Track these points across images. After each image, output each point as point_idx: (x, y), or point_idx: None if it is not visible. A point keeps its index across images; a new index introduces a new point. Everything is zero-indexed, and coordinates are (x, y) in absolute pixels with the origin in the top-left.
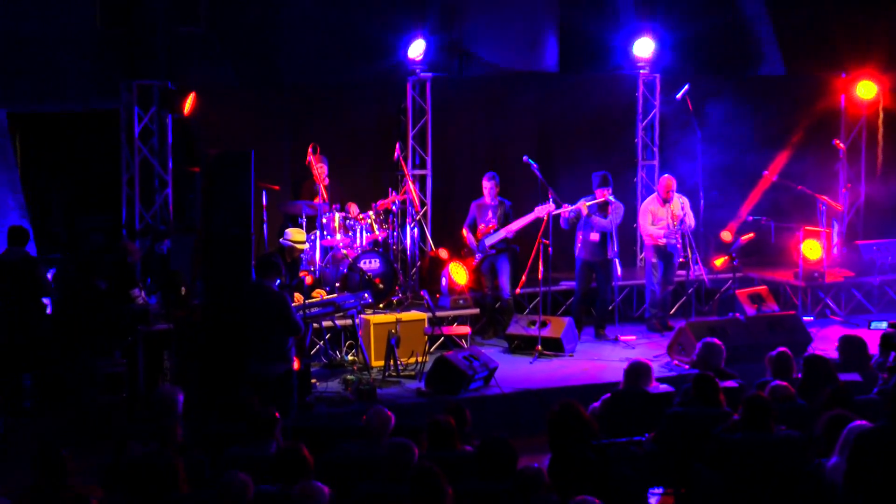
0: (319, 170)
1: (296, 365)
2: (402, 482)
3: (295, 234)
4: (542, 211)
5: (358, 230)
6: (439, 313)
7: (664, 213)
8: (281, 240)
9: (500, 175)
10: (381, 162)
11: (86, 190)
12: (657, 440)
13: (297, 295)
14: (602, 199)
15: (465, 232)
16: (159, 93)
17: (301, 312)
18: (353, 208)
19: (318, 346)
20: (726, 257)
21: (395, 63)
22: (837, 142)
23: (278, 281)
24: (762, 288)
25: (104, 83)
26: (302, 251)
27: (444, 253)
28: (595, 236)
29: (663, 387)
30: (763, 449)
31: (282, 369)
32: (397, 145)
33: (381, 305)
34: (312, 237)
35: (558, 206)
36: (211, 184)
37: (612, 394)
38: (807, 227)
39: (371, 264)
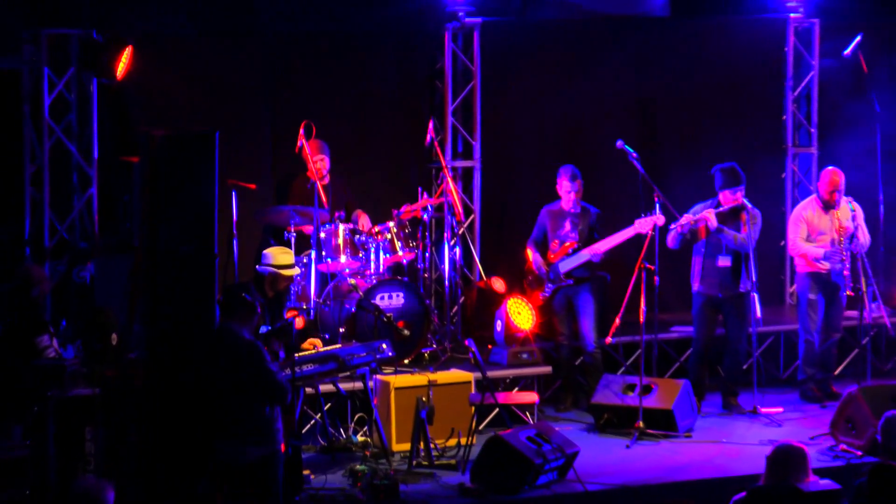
0: (317, 162)
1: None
2: None
3: (278, 256)
4: (645, 224)
5: (372, 250)
6: (492, 373)
7: (826, 225)
8: (258, 266)
9: (583, 169)
10: (405, 149)
11: None
12: None
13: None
14: (733, 205)
15: (530, 252)
16: (80, 46)
17: (286, 371)
18: (365, 218)
19: (313, 421)
20: None
21: (426, 3)
22: None
23: (253, 324)
24: None
25: None
26: (290, 280)
27: (499, 283)
28: (724, 261)
29: (824, 482)
30: None
31: (259, 454)
32: (430, 124)
33: (406, 361)
34: (305, 260)
35: (669, 217)
36: (156, 180)
37: (749, 492)
38: None
39: (392, 300)
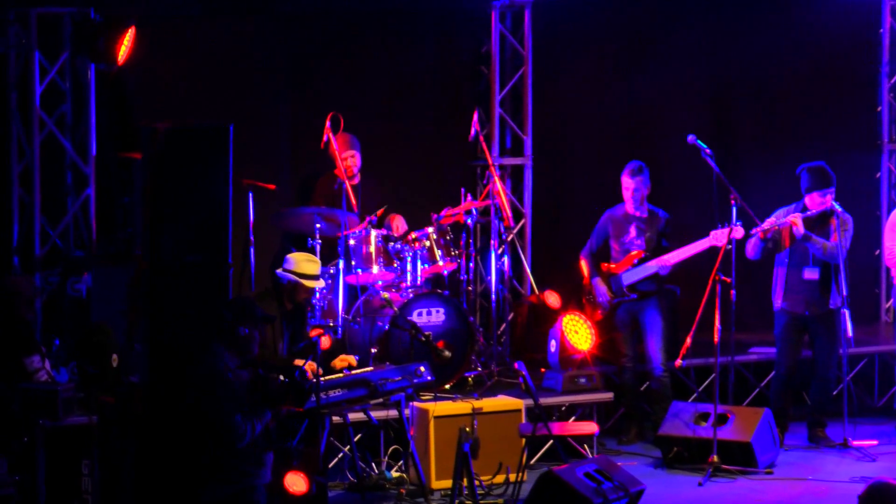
0: (346, 159)
1: (300, 484)
2: None
3: (303, 264)
4: (722, 236)
5: (408, 259)
6: (544, 400)
7: None
8: (278, 270)
9: (648, 167)
10: (446, 145)
11: None
12: None
13: (308, 364)
14: (821, 210)
15: (584, 264)
16: (74, 28)
17: (307, 398)
18: (401, 222)
19: (340, 455)
20: None
21: None
22: None
23: (246, 355)
24: None
25: None
26: (310, 292)
27: (553, 298)
28: (811, 273)
29: None
30: None
31: (225, 493)
32: (475, 116)
33: (447, 386)
34: (332, 271)
35: (747, 224)
36: (161, 180)
37: None
38: None
39: (431, 317)
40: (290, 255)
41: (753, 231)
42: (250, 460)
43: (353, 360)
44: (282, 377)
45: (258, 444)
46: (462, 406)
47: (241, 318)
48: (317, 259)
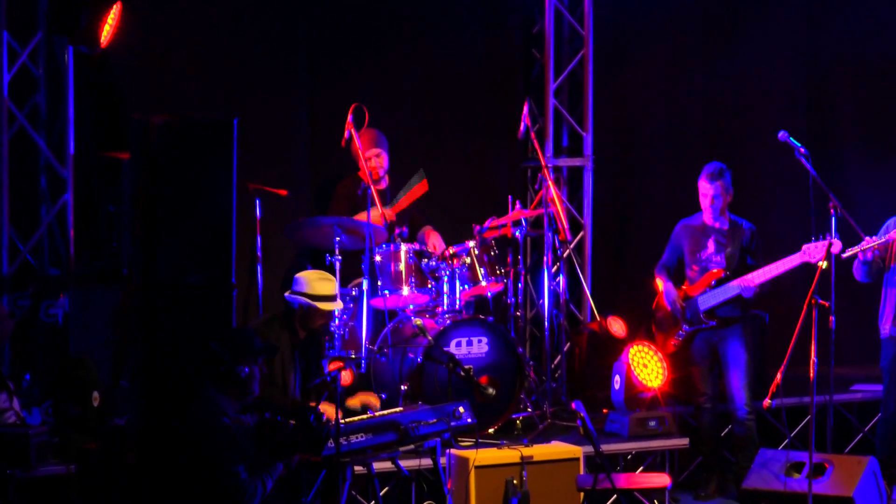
0: (371, 159)
1: None
2: None
3: (315, 283)
4: (816, 251)
5: (446, 279)
6: (607, 447)
7: None
8: (287, 293)
9: (732, 170)
10: (490, 143)
11: None
12: None
13: (324, 407)
14: None
15: (660, 282)
16: (50, 5)
17: (324, 445)
18: (436, 237)
19: None
20: None
21: None
22: None
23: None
24: None
25: None
26: (328, 317)
27: (617, 325)
28: None
29: None
30: None
31: None
32: (525, 109)
33: (491, 430)
34: (354, 292)
35: (849, 237)
36: (153, 185)
37: None
38: None
39: (472, 347)
40: (299, 275)
41: (859, 249)
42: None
43: (376, 399)
44: (293, 421)
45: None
46: (509, 454)
47: (239, 357)
48: (333, 277)
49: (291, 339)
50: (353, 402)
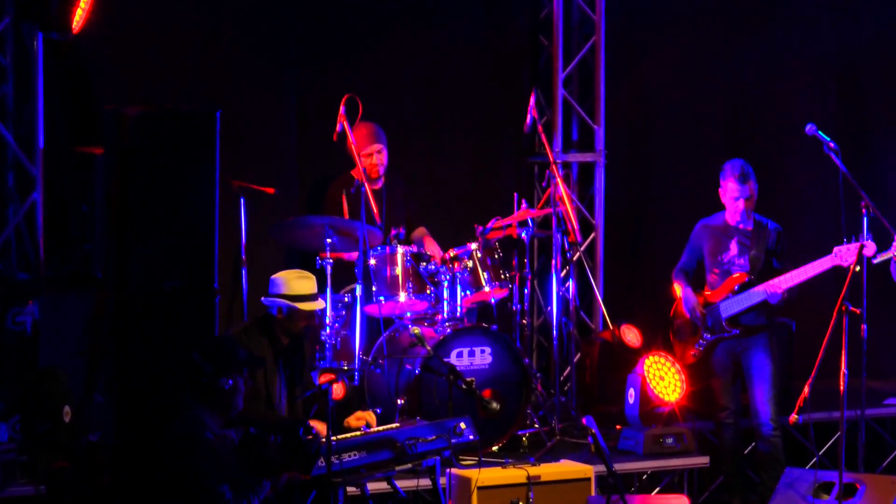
0: (369, 155)
1: None
2: None
3: (293, 282)
4: (847, 254)
5: (446, 284)
6: (621, 465)
7: None
8: (265, 297)
9: (756, 167)
10: (494, 136)
11: None
12: None
13: (315, 424)
14: None
15: (678, 287)
16: None
17: (314, 463)
18: (432, 244)
19: None
20: None
21: None
22: None
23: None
24: None
25: None
26: (310, 318)
27: (631, 334)
28: None
29: None
30: None
31: None
32: (532, 99)
33: (495, 448)
34: (347, 298)
35: (883, 238)
36: (129, 182)
37: None
38: None
39: (474, 358)
40: (275, 276)
41: (883, 255)
42: None
43: (371, 416)
44: (280, 436)
45: None
46: (514, 474)
47: (222, 368)
48: (310, 274)
49: (274, 347)
50: (354, 422)
